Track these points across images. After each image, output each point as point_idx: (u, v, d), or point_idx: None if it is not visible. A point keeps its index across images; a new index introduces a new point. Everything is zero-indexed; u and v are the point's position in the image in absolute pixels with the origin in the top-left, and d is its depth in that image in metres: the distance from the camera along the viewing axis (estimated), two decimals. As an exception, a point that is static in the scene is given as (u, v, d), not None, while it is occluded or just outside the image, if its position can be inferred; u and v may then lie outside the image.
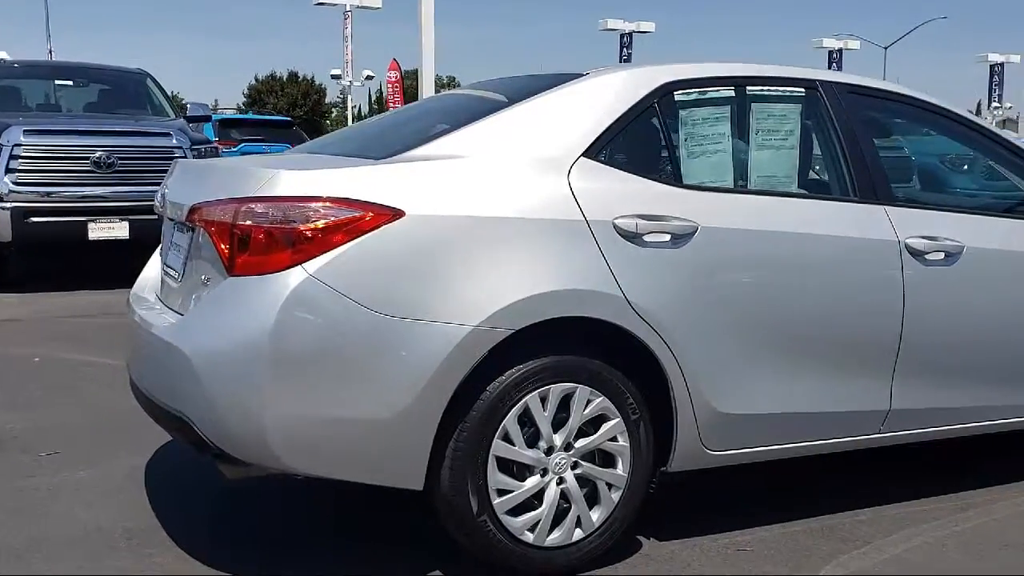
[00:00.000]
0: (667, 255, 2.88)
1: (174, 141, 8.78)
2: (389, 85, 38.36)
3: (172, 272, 3.08)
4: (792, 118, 3.32)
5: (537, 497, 2.79)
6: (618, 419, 2.86)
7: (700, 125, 3.15)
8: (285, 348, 2.52)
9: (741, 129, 3.23)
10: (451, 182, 2.71)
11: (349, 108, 43.57)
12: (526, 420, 2.75)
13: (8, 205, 7.96)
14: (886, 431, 3.36)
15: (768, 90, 3.30)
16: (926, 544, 3.19)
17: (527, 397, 2.73)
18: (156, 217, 8.71)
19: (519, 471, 2.77)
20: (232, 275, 2.62)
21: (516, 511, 2.77)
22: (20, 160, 8.07)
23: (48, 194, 8.16)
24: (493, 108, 2.99)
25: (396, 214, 2.60)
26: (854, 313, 3.19)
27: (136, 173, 8.53)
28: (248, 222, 2.59)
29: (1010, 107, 52.28)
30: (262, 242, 2.57)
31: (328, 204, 2.58)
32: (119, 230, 8.39)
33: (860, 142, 3.35)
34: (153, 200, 8.70)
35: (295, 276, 2.53)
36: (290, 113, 44.45)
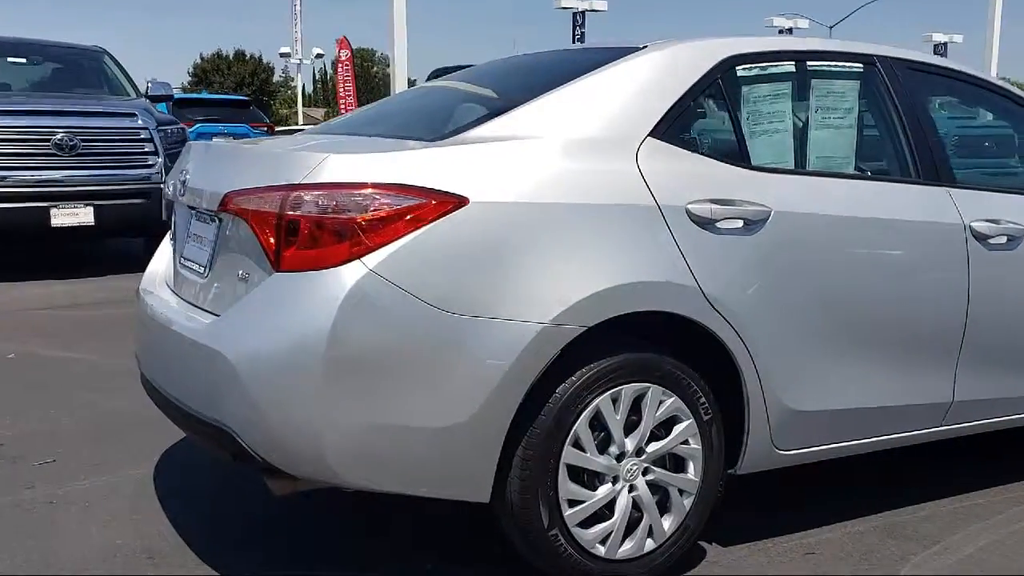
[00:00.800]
0: (741, 242, 2.68)
1: (140, 122, 8.38)
2: (339, 64, 37.68)
3: (194, 266, 2.80)
4: (852, 95, 3.13)
5: (608, 507, 2.58)
6: (690, 420, 2.66)
7: (762, 102, 2.94)
8: (344, 351, 2.27)
9: (801, 107, 3.04)
10: (516, 166, 2.47)
11: (299, 85, 42.83)
12: (597, 424, 2.54)
13: (-38, 190, 7.53)
14: (948, 423, 3.21)
15: (828, 66, 3.11)
16: (995, 542, 3.05)
17: (599, 399, 2.51)
18: (125, 202, 8.34)
19: (589, 479, 2.56)
20: (279, 270, 2.35)
21: (587, 522, 2.56)
22: (-26, 143, 7.62)
23: (4, 179, 7.71)
24: (548, 84, 2.74)
25: (460, 202, 2.35)
26: (923, 301, 3.02)
27: (100, 156, 8.12)
28: (298, 212, 2.32)
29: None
30: (315, 234, 2.31)
31: (387, 191, 2.32)
32: (84, 216, 7.98)
33: (921, 121, 3.18)
34: (121, 184, 8.19)
35: (354, 271, 2.28)
36: (237, 93, 43.53)
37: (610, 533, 2.58)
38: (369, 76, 65.41)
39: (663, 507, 2.67)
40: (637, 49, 2.86)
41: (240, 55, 58.59)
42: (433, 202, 2.33)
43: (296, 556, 2.87)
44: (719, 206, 2.64)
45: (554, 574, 2.57)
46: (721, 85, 2.84)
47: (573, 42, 39.08)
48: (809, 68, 3.07)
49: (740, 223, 2.68)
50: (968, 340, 3.13)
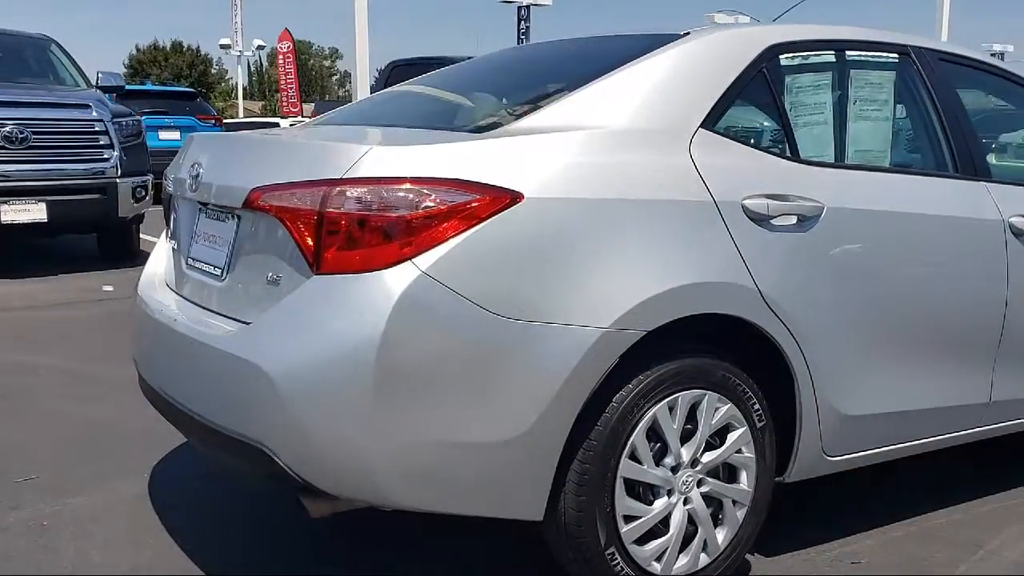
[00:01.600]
0: (794, 239, 2.55)
1: (94, 114, 8.01)
2: (281, 56, 36.99)
3: (207, 267, 2.57)
4: (890, 86, 3.02)
5: (663, 522, 2.44)
6: (744, 428, 2.52)
7: (804, 92, 2.82)
8: (395, 360, 2.08)
9: (842, 97, 2.92)
10: (570, 159, 2.30)
11: (240, 78, 41.97)
12: (653, 434, 2.38)
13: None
14: (985, 424, 3.13)
15: (868, 55, 3.00)
16: (1039, 545, 2.98)
17: (656, 408, 2.36)
18: (79, 198, 7.96)
19: (645, 493, 2.41)
20: (318, 273, 2.15)
21: (643, 539, 2.41)
22: (-83, 135, 7.21)
23: (-52, 173, 7.31)
24: (589, 74, 2.57)
25: (514, 197, 2.17)
26: (966, 300, 2.94)
27: (53, 149, 7.74)
28: (340, 209, 2.13)
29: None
30: (360, 233, 2.12)
31: (437, 186, 2.13)
32: (36, 212, 7.60)
33: (957, 114, 3.09)
34: (75, 179, 7.76)
35: (405, 273, 2.09)
36: (176, 85, 42.49)
37: (666, 549, 2.44)
38: (306, 69, 64.42)
39: (716, 519, 2.54)
40: (677, 36, 2.71)
41: (177, 46, 57.21)
42: (487, 198, 2.15)
43: (310, 567, 2.68)
44: (775, 201, 2.51)
45: (608, 595, 2.42)
46: (766, 74, 2.71)
47: (518, 38, 39.05)
48: (849, 58, 2.95)
49: (794, 219, 2.55)
50: (1006, 339, 3.05)
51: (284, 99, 35.72)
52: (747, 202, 2.47)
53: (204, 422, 2.36)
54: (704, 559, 2.51)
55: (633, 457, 2.35)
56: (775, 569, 2.77)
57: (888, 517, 3.13)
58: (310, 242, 2.16)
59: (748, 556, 2.77)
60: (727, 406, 2.48)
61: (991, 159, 3.25)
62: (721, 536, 2.54)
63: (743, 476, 2.56)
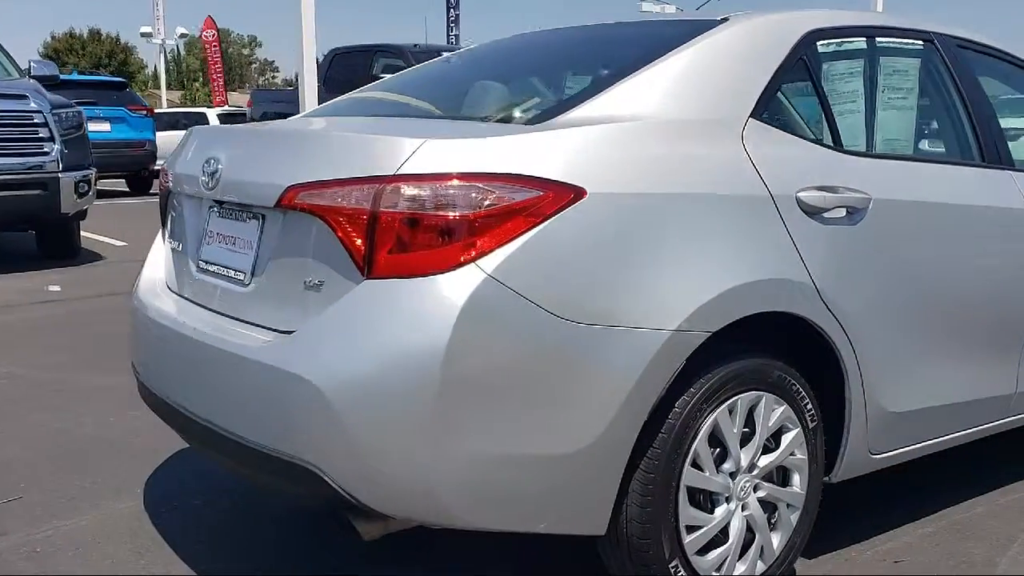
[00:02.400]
0: (845, 233, 2.47)
1: (32, 105, 7.63)
2: (206, 44, 36.07)
3: (226, 271, 2.38)
4: (918, 75, 2.96)
5: (723, 530, 2.33)
6: (798, 429, 2.44)
7: (840, 80, 2.74)
8: (461, 370, 1.92)
9: (873, 86, 2.84)
10: (631, 151, 2.17)
11: (162, 67, 40.83)
12: (713, 440, 2.28)
13: None
14: (1009, 415, 3.10)
15: (895, 42, 2.93)
16: (1069, 535, 2.97)
17: (717, 412, 2.25)
18: (18, 193, 7.55)
19: (705, 501, 2.30)
20: (370, 277, 1.98)
21: (704, 549, 2.30)
22: None
23: None
24: (635, 60, 2.43)
25: (578, 193, 2.04)
26: (1002, 291, 2.90)
27: (-12, 142, 7.32)
28: (394, 208, 1.96)
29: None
30: (417, 234, 1.96)
31: (500, 182, 1.98)
32: (-29, 208, 7.18)
33: (982, 101, 3.04)
34: (13, 174, 7.37)
35: (469, 276, 1.93)
36: (95, 74, 41.10)
37: (725, 558, 2.34)
38: (226, 57, 62.97)
39: (771, 524, 2.44)
40: (715, 22, 2.60)
41: (95, 34, 55.36)
42: (550, 194, 2.01)
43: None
44: (829, 194, 2.42)
45: (668, 608, 2.30)
46: (806, 61, 2.61)
47: (448, 24, 38.67)
48: (879, 44, 2.87)
49: (843, 212, 2.46)
50: (1031, 328, 3.03)
51: (214, 88, 34.87)
52: (802, 195, 2.37)
53: (234, 439, 2.17)
54: (761, 566, 2.42)
55: (695, 464, 2.24)
56: (819, 570, 2.69)
57: (914, 512, 3.09)
58: (360, 244, 1.99)
59: (789, 559, 2.70)
60: (783, 407, 2.39)
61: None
62: (776, 541, 2.45)
63: (795, 478, 2.47)
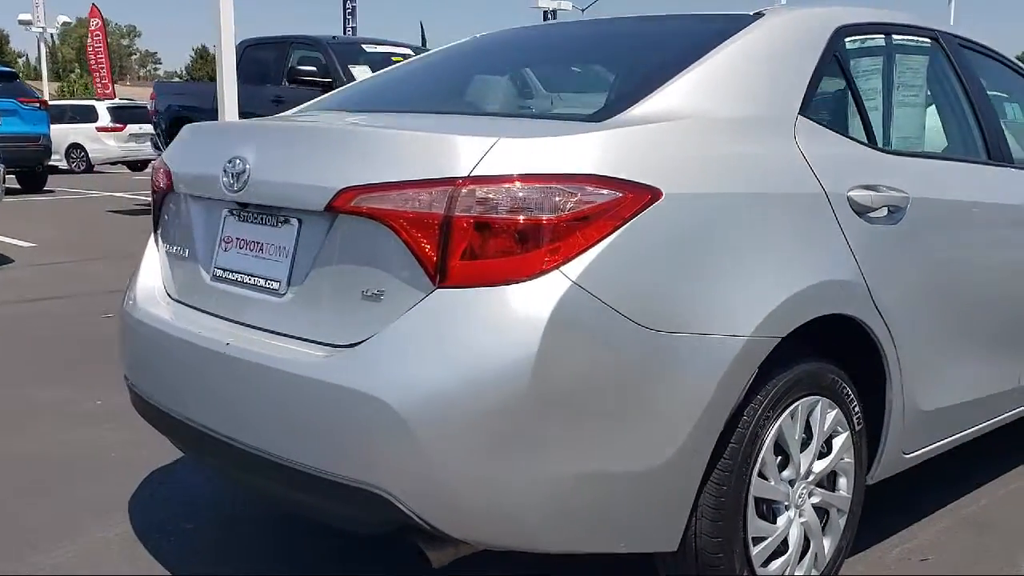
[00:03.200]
0: (888, 232, 2.44)
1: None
2: (91, 34, 34.54)
3: (253, 280, 2.19)
4: (923, 72, 2.96)
5: (783, 539, 2.27)
6: (847, 432, 2.40)
7: (864, 78, 2.71)
8: (551, 384, 1.80)
9: (892, 83, 2.83)
10: (700, 150, 2.08)
11: (44, 57, 38.96)
12: (776, 448, 2.21)
13: None
14: (1013, 408, 3.14)
15: (908, 39, 2.92)
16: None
17: (781, 419, 2.19)
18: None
19: (768, 511, 2.23)
20: (443, 286, 1.84)
21: (768, 560, 2.24)
22: None
23: None
24: (679, 57, 2.34)
25: (654, 195, 1.94)
26: (1016, 284, 2.94)
27: None
28: (470, 212, 1.82)
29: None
30: (496, 240, 1.82)
31: (581, 184, 1.87)
32: None
33: (985, 100, 3.08)
34: None
35: (555, 284, 1.81)
36: (-31, 64, 38.93)
37: (786, 568, 2.28)
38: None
39: (823, 530, 2.40)
40: (749, 16, 2.54)
41: (-34, 22, 52.38)
42: (629, 196, 1.90)
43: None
44: (875, 193, 2.38)
45: (733, 623, 2.23)
46: (838, 57, 2.58)
47: (345, 16, 37.98)
48: (895, 42, 2.86)
49: (886, 211, 2.43)
50: (1032, 324, 3.08)
51: (97, 78, 33.39)
52: (852, 194, 2.33)
53: (278, 461, 1.99)
54: (814, 573, 2.38)
55: (761, 474, 2.17)
56: (849, 571, 2.66)
57: (923, 508, 3.10)
58: (430, 251, 1.84)
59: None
60: (835, 411, 2.35)
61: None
62: (827, 546, 2.41)
63: (843, 482, 2.43)
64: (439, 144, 1.93)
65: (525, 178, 1.84)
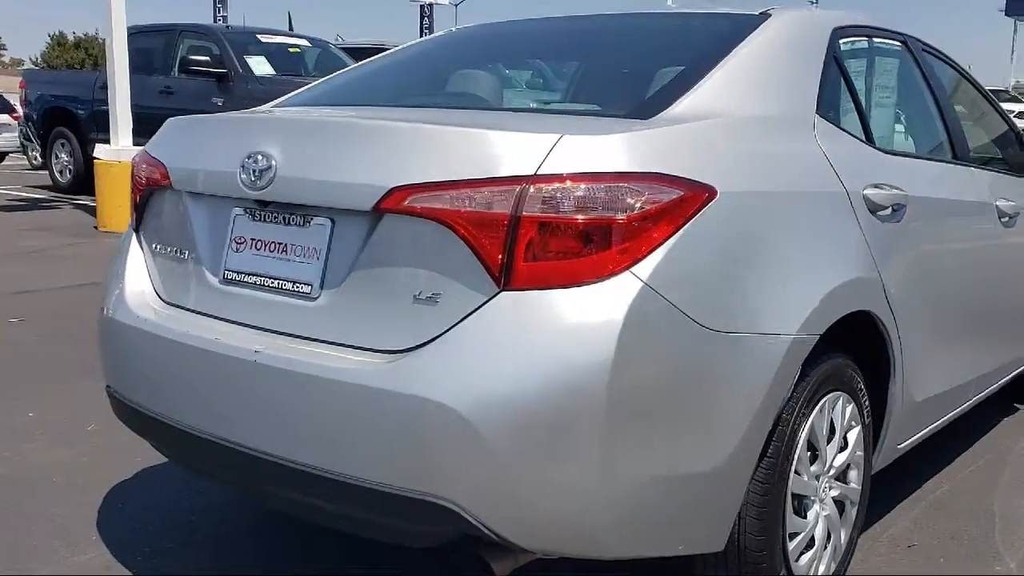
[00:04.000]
0: (894, 229, 2.51)
1: None
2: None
3: (278, 283, 2.06)
4: (895, 73, 3.08)
5: (812, 534, 2.30)
6: (860, 425, 2.45)
7: (856, 79, 2.78)
8: (626, 387, 1.76)
9: (873, 84, 2.92)
10: (747, 148, 2.10)
11: None
12: (808, 443, 2.24)
13: None
14: (975, 394, 3.29)
15: (884, 43, 3.03)
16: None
17: (813, 415, 2.22)
18: None
19: (799, 507, 2.26)
20: (509, 288, 1.77)
21: (800, 555, 2.26)
22: None
23: None
24: (702, 55, 2.33)
25: (711, 193, 1.92)
26: (1001, 278, 3.12)
27: None
28: (537, 212, 1.76)
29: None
30: (565, 240, 1.77)
31: (645, 182, 1.83)
32: None
33: (948, 103, 3.21)
34: None
35: (627, 285, 1.77)
36: None
37: (814, 562, 2.31)
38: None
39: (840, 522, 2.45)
40: (756, 16, 2.56)
41: None
42: (690, 195, 1.88)
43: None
44: (882, 191, 2.44)
45: (767, 619, 2.24)
46: (836, 58, 2.63)
47: (216, 5, 36.82)
48: (876, 44, 2.96)
49: (890, 209, 2.50)
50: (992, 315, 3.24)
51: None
52: (868, 192, 2.38)
53: (324, 475, 1.88)
54: (833, 565, 2.42)
55: (797, 470, 2.19)
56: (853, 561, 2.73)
57: (891, 494, 3.20)
58: (495, 252, 1.78)
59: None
60: (851, 406, 2.40)
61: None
62: (843, 538, 2.46)
63: (854, 475, 2.48)
64: (501, 141, 1.85)
65: (593, 176, 1.80)
